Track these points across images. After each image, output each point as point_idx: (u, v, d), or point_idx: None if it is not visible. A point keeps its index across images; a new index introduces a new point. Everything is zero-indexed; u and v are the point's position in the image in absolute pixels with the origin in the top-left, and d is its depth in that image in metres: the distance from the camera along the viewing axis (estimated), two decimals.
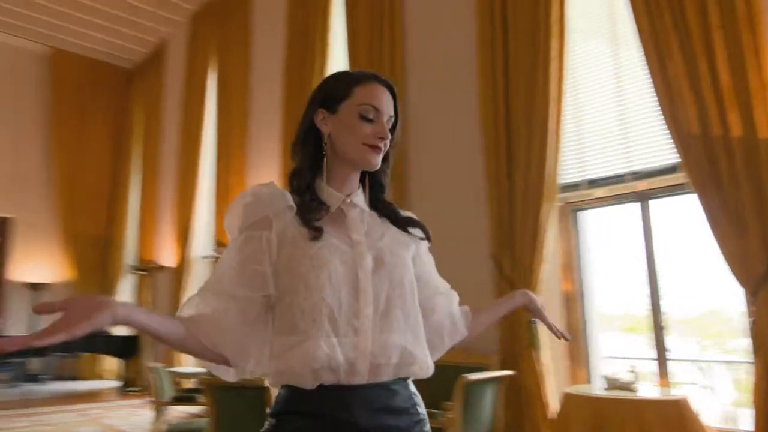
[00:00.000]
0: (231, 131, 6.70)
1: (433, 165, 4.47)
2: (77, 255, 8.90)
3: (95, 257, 9.03)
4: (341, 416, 0.96)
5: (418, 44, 4.72)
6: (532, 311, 1.28)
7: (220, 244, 6.47)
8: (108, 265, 9.01)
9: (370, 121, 1.07)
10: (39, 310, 0.81)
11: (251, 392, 2.45)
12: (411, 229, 1.15)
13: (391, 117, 1.12)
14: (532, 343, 3.58)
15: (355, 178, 1.13)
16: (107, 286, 8.83)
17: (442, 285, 1.21)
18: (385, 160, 1.14)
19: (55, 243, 8.90)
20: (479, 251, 3.98)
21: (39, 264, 8.75)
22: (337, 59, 5.46)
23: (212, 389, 2.56)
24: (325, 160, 1.10)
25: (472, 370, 3.40)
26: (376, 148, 1.07)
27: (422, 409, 1.07)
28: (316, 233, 1.01)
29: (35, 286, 8.58)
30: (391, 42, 4.77)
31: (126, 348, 7.70)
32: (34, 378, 8.16)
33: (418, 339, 1.05)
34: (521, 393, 3.52)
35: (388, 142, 1.11)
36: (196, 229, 7.16)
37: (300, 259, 1.00)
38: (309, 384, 0.97)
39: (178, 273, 7.19)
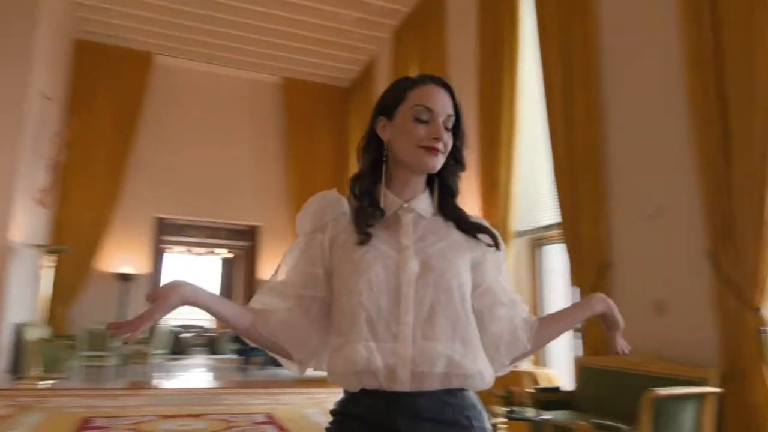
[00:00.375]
0: None
1: (635, 155, 4.04)
2: None
3: None
4: (385, 422, 0.97)
5: (613, 31, 4.32)
6: (608, 321, 1.14)
7: None
8: None
9: (424, 122, 1.06)
10: (148, 298, 0.97)
11: None
12: (480, 236, 1.10)
13: (450, 116, 1.08)
14: (763, 355, 3.01)
15: (417, 181, 1.11)
16: None
17: (506, 295, 1.12)
18: (458, 162, 1.12)
19: None
20: (691, 248, 3.49)
21: None
22: (529, 60, 5.32)
23: None
24: (385, 165, 1.11)
25: (682, 383, 3.00)
26: (431, 150, 1.05)
27: (480, 423, 1.01)
28: (363, 238, 1.04)
29: None
30: (583, 39, 4.45)
31: None
32: (279, 363, 9.45)
33: (468, 348, 1.00)
34: (746, 413, 2.98)
35: (450, 143, 1.08)
36: None
37: (345, 264, 1.04)
38: (352, 387, 0.99)
39: None
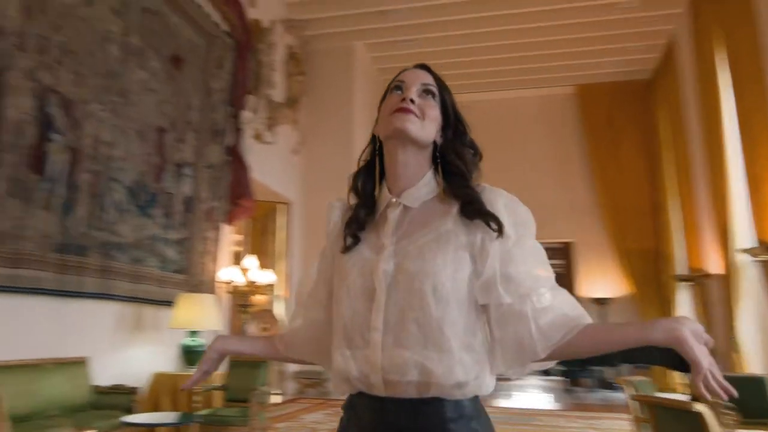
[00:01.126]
0: (751, 114, 5.72)
1: None
2: (632, 269, 9.24)
3: (648, 270, 9.13)
4: (368, 427, 0.96)
5: None
6: (682, 355, 0.83)
7: (762, 242, 5.49)
8: (661, 277, 8.93)
9: (397, 94, 1.03)
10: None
11: (685, 415, 2.09)
12: (480, 220, 0.96)
13: (426, 84, 1.03)
14: None
15: (411, 166, 1.03)
16: (663, 298, 8.76)
17: (514, 288, 0.93)
18: (463, 144, 1.04)
19: (610, 260, 9.52)
20: None
21: (599, 281, 9.56)
22: None
23: (650, 408, 2.31)
24: (380, 160, 1.08)
25: None
26: (400, 110, 0.99)
27: None
28: (349, 243, 1.02)
29: (599, 301, 9.40)
30: None
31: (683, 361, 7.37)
32: (609, 385, 8.84)
33: (444, 356, 0.90)
34: None
35: (430, 111, 1.01)
36: (736, 229, 6.31)
37: (336, 272, 1.04)
38: (340, 392, 1.01)
39: (726, 280, 6.47)
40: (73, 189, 4.05)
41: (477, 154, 1.08)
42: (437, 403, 0.92)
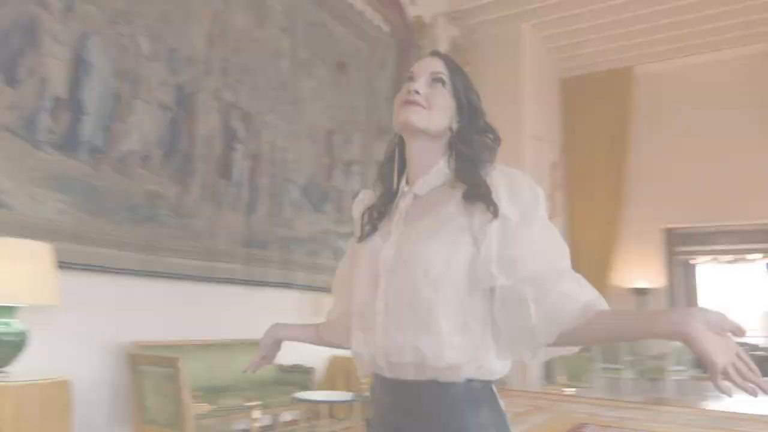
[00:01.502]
0: None
1: None
2: None
3: None
4: (381, 406, 1.00)
5: None
6: (694, 352, 0.71)
7: None
8: None
9: (408, 85, 1.04)
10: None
11: None
12: (479, 203, 0.94)
13: (435, 73, 1.03)
14: None
15: (425, 156, 1.04)
16: None
17: (511, 272, 0.88)
18: (475, 128, 1.03)
19: None
20: None
21: None
22: None
23: None
24: (400, 151, 1.09)
25: None
26: (405, 102, 1.01)
27: (461, 421, 0.91)
28: (366, 231, 1.07)
29: None
30: None
31: None
32: None
33: (436, 339, 0.90)
34: None
35: (439, 100, 1.01)
36: None
37: (354, 261, 1.09)
38: (361, 374, 1.04)
39: None
40: (255, 191, 4.62)
41: (496, 138, 1.07)
42: (436, 385, 0.93)
